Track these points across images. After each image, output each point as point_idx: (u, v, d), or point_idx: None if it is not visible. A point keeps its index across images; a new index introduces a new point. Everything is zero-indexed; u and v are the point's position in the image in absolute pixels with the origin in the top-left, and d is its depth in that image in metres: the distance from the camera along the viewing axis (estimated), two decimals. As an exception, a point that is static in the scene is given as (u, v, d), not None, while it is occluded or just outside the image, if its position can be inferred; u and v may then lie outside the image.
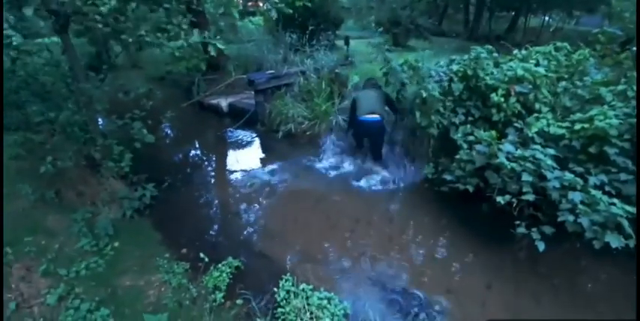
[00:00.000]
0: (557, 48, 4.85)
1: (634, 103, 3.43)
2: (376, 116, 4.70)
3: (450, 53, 6.63)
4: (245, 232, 3.88)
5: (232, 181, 5.03)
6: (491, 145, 3.58)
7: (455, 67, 4.35)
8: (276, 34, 8.45)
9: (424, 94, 4.21)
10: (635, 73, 3.79)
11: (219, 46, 3.94)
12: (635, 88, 3.57)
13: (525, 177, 3.12)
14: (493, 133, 3.68)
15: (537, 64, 4.41)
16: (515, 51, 4.91)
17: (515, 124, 3.86)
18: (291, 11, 5.28)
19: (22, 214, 3.63)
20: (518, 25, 15.63)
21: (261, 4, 14.60)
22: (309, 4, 8.63)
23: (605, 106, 3.53)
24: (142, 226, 3.90)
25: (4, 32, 3.36)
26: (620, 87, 3.73)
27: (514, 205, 3.21)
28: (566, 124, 3.56)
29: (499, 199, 3.21)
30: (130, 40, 3.62)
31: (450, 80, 4.35)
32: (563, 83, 4.32)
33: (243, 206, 4.38)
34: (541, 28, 16.22)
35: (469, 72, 4.26)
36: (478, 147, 3.63)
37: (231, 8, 3.93)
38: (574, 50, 4.75)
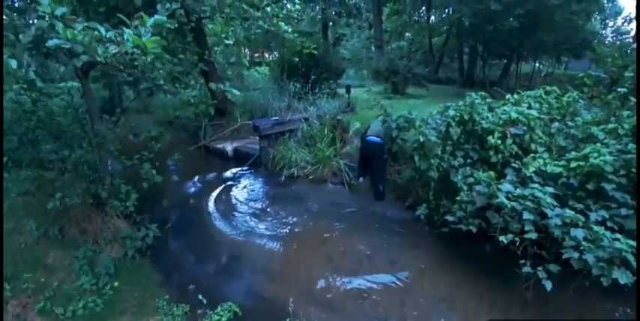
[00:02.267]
0: (547, 91, 5.11)
1: (626, 140, 3.55)
2: (379, 139, 5.24)
3: (447, 99, 6.95)
4: (246, 275, 3.81)
5: (234, 224, 5.03)
6: (490, 186, 3.61)
7: (452, 113, 4.55)
8: (281, 82, 8.96)
9: (422, 139, 4.36)
10: (623, 113, 3.97)
11: (235, 92, 4.22)
12: (625, 126, 3.72)
13: (526, 215, 3.14)
14: (492, 173, 3.73)
15: (530, 107, 4.61)
16: (508, 95, 5.16)
17: (513, 165, 3.93)
18: (297, 60, 5.69)
19: (24, 250, 3.65)
20: (510, 71, 16.49)
21: (266, 56, 15.58)
22: (315, 53, 9.26)
23: (598, 144, 3.64)
24: (142, 266, 3.86)
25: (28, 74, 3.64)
26: (611, 125, 3.88)
27: (517, 243, 3.18)
28: (563, 162, 3.65)
29: (502, 238, 3.19)
30: (145, 87, 3.90)
31: (448, 125, 4.52)
32: (556, 124, 4.48)
33: (244, 249, 4.34)
34: (532, 73, 17.12)
35: (465, 116, 4.44)
36: (478, 187, 3.68)
37: (242, 59, 4.26)
38: (563, 93, 4.99)
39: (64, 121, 4.41)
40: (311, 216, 5.08)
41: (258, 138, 6.67)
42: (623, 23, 25.42)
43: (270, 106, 7.93)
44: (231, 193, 6.06)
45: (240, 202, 5.69)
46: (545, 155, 4.00)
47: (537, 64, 18.38)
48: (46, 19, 2.19)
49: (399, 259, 4.05)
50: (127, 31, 2.23)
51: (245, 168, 6.95)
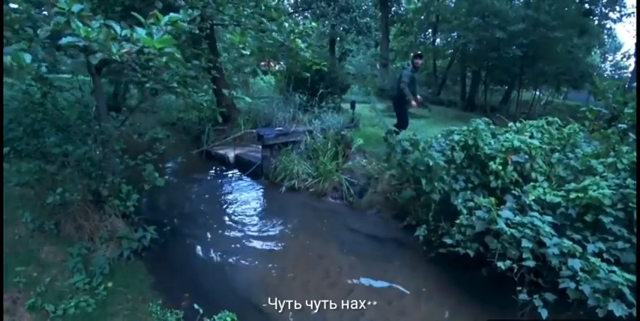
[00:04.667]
0: (549, 122, 5.22)
1: (624, 174, 3.64)
2: None
3: (448, 121, 7.08)
4: (242, 285, 3.78)
5: (233, 232, 5.01)
6: (491, 211, 3.65)
7: (456, 137, 4.64)
8: (287, 93, 9.05)
9: (430, 163, 4.42)
10: (623, 148, 4.08)
11: (247, 100, 4.27)
12: (624, 161, 3.82)
13: (525, 243, 3.19)
14: (492, 199, 3.77)
15: (532, 136, 4.73)
16: (510, 123, 5.28)
17: (513, 192, 4.02)
18: (308, 75, 5.78)
19: (17, 242, 3.59)
20: (511, 98, 16.85)
21: (272, 65, 15.69)
22: (325, 69, 9.37)
23: (597, 177, 3.73)
24: (137, 268, 3.82)
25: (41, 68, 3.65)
26: (610, 159, 3.98)
27: (515, 270, 3.22)
28: (562, 192, 3.72)
29: (500, 264, 3.24)
30: (151, 87, 3.91)
31: (452, 149, 4.61)
32: (557, 154, 4.58)
33: (242, 257, 4.31)
34: (532, 101, 17.44)
35: (470, 142, 4.52)
36: (478, 213, 3.72)
37: (255, 68, 4.33)
38: (564, 124, 5.13)
39: (72, 116, 4.42)
40: (310, 231, 5.07)
41: (260, 147, 6.71)
42: (622, 58, 26.17)
43: (275, 116, 8.00)
44: (231, 200, 6.05)
45: (240, 210, 5.67)
46: (545, 184, 4.08)
47: (537, 93, 18.77)
48: (64, 15, 2.19)
49: (397, 279, 4.04)
50: (138, 29, 2.23)
51: (245, 176, 6.95)
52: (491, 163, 4.24)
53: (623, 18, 16.44)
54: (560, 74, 13.98)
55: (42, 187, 3.80)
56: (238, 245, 4.61)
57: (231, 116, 8.75)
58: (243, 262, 4.23)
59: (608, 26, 17.36)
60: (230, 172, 7.34)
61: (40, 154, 3.98)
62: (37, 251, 3.58)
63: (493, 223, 3.51)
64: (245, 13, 4.39)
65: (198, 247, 4.47)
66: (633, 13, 16.34)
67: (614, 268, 2.79)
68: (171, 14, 2.33)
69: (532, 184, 4.08)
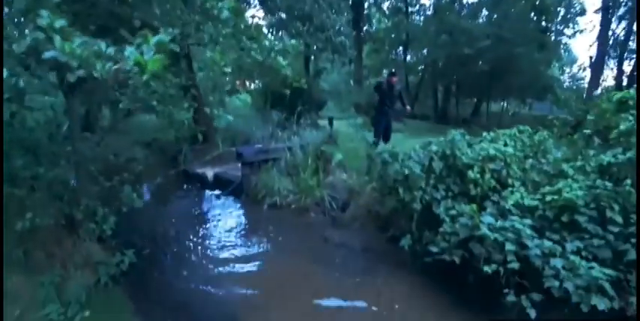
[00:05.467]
0: (520, 131, 5.49)
1: (593, 176, 3.85)
2: None
3: (423, 134, 7.30)
4: (226, 309, 3.64)
5: (215, 252, 4.86)
6: (473, 218, 3.74)
7: (434, 148, 4.78)
8: (264, 111, 9.09)
9: (407, 172, 4.50)
10: (589, 151, 4.33)
11: (229, 118, 4.24)
12: (591, 164, 4.04)
13: (509, 246, 3.28)
14: (474, 206, 3.87)
15: (505, 145, 4.93)
16: (485, 133, 5.50)
17: (492, 198, 4.17)
18: (287, 91, 5.87)
19: (-20, 274, 3.32)
20: (481, 110, 17.59)
21: (247, 84, 15.73)
22: (305, 86, 9.53)
23: (569, 180, 3.91)
24: (116, 294, 3.62)
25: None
26: (579, 163, 4.20)
27: (501, 273, 3.29)
28: (538, 196, 3.88)
29: (486, 268, 3.31)
30: (123, 108, 3.83)
31: (431, 159, 4.71)
32: (530, 161, 4.79)
33: (224, 280, 4.17)
34: (501, 112, 18.26)
35: (447, 152, 4.66)
36: (462, 220, 3.81)
37: (231, 85, 4.34)
38: (534, 132, 5.40)
39: (42, 137, 4.23)
40: (294, 249, 4.98)
41: (240, 165, 6.64)
42: (578, 70, 28.47)
43: (253, 134, 7.97)
44: (212, 219, 5.91)
45: (222, 230, 5.54)
46: (522, 189, 4.24)
47: (505, 104, 19.69)
48: (44, 30, 2.15)
49: (384, 291, 4.02)
50: (128, 48, 2.23)
51: (225, 195, 6.83)
52: (470, 171, 4.37)
53: (576, 34, 17.83)
54: (525, 87, 14.75)
55: (9, 212, 3.58)
56: (220, 268, 4.45)
57: (209, 135, 8.66)
58: (225, 285, 4.08)
59: (564, 42, 18.73)
60: (209, 190, 7.20)
61: (8, 177, 3.77)
62: (4, 282, 3.33)
63: (476, 229, 3.60)
64: (224, 32, 4.43)
65: (179, 271, 4.30)
66: (585, 29, 17.84)
67: (593, 265, 2.89)
68: (160, 36, 2.34)
69: (510, 189, 4.23)
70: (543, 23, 16.08)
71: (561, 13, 17.00)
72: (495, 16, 13.73)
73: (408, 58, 19.83)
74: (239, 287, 4.03)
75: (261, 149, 6.68)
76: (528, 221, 3.49)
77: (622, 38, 16.60)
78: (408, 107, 8.56)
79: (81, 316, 3.18)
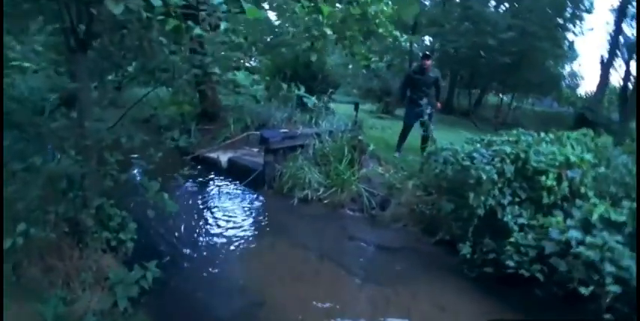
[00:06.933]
0: (584, 134, 5.12)
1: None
2: None
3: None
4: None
5: (246, 258, 4.14)
6: (564, 232, 3.37)
7: (508, 149, 4.33)
8: (279, 91, 8.16)
9: (484, 176, 4.03)
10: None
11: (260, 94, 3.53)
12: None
13: (608, 268, 2.95)
14: (559, 219, 3.56)
15: (573, 149, 4.59)
16: (543, 134, 5.00)
17: (572, 209, 3.72)
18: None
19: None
20: (482, 102, 17.31)
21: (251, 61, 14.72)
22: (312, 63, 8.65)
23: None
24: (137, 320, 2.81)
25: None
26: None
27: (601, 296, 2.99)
28: (626, 210, 3.47)
29: (583, 290, 3.00)
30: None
31: (502, 161, 4.26)
32: (602, 169, 4.42)
33: (261, 291, 3.42)
34: (500, 105, 18.03)
35: (521, 155, 4.24)
36: (552, 233, 3.44)
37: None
38: (598, 136, 5.16)
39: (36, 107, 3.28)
40: (337, 252, 4.34)
41: (263, 151, 5.80)
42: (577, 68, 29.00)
43: (271, 115, 7.05)
44: (236, 216, 5.04)
45: (249, 229, 4.76)
46: (597, 201, 3.84)
47: (502, 97, 19.47)
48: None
49: (448, 304, 3.46)
50: None
51: (245, 186, 5.99)
52: (544, 177, 4.00)
53: (584, 32, 17.56)
54: (536, 81, 14.42)
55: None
56: (258, 272, 3.78)
57: (217, 114, 7.70)
58: (262, 296, 3.33)
59: (570, 39, 18.49)
60: (224, 179, 6.26)
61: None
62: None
63: (563, 244, 3.30)
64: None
65: (209, 282, 3.52)
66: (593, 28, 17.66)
67: None
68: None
69: (582, 200, 3.87)
70: (558, 19, 15.61)
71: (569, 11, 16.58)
72: (518, 8, 13.07)
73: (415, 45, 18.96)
74: (279, 299, 3.29)
75: (287, 134, 5.85)
76: (619, 238, 3.14)
77: (632, 39, 16.41)
78: (439, 103, 7.74)
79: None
